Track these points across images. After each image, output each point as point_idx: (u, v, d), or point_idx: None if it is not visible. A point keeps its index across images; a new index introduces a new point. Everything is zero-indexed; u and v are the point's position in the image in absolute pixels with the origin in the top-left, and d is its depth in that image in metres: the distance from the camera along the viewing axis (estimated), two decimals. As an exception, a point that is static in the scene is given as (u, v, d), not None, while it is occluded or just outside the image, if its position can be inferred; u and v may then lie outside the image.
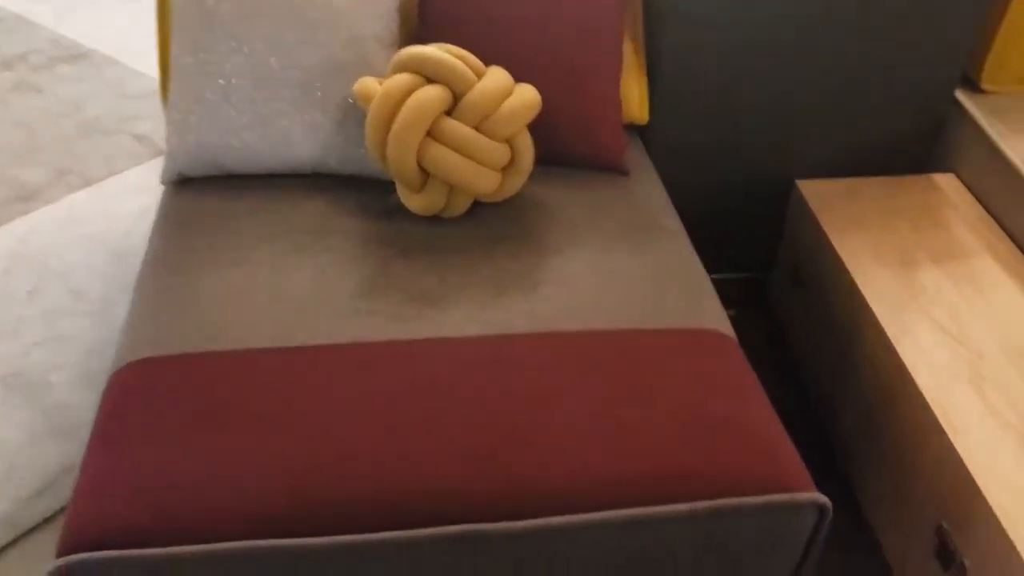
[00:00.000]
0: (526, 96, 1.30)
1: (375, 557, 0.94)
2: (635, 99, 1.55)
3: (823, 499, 0.98)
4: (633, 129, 1.60)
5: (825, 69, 1.60)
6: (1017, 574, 1.06)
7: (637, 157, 1.53)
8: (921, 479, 1.28)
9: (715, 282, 1.88)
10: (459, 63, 1.27)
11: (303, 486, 0.97)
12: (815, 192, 1.67)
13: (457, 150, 1.27)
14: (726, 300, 1.87)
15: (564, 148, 1.45)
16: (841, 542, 1.44)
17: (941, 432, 1.21)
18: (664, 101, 1.61)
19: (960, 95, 1.69)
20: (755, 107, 1.63)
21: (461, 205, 1.33)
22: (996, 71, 1.67)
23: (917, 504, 1.29)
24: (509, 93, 1.29)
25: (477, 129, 1.27)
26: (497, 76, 1.29)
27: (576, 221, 1.36)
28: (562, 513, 0.96)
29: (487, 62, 1.36)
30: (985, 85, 1.68)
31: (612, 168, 1.47)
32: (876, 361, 1.40)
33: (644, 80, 1.56)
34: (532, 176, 1.43)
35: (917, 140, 1.71)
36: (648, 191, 1.45)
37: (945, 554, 1.21)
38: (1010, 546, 1.07)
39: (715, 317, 1.21)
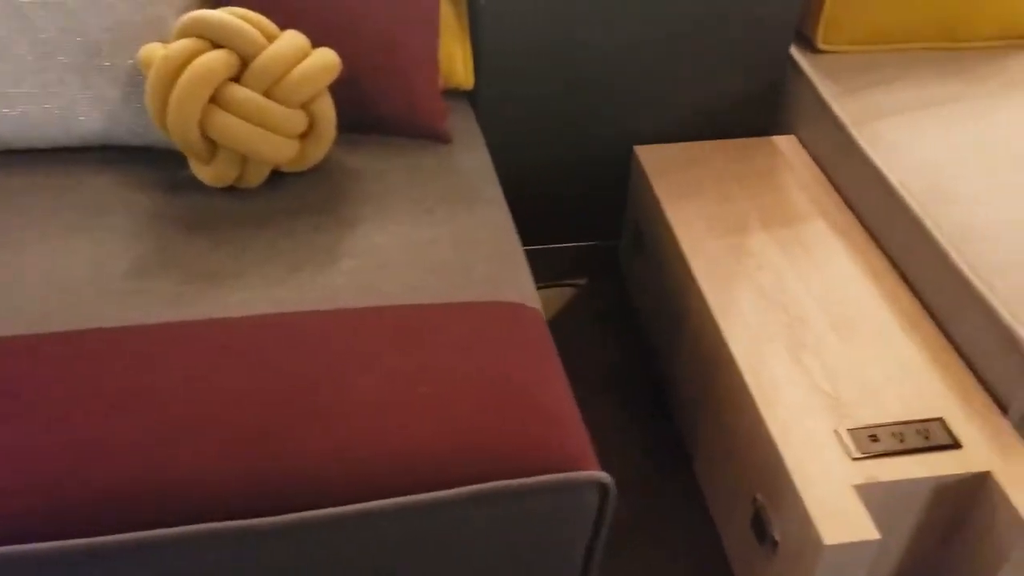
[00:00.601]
0: (321, 59, 1.22)
1: (117, 560, 0.88)
2: (458, 63, 1.48)
3: (605, 477, 0.94)
4: (463, 95, 1.54)
5: (656, 29, 1.56)
6: (815, 554, 1.05)
7: (463, 124, 1.47)
8: (739, 449, 1.26)
9: (568, 250, 1.86)
10: (246, 26, 1.18)
11: (44, 484, 0.89)
12: (653, 157, 1.63)
13: (245, 118, 1.19)
14: (579, 268, 1.84)
15: (380, 115, 1.37)
16: (676, 508, 1.43)
17: (753, 403, 1.19)
18: (491, 64, 1.54)
19: (797, 55, 1.67)
20: (587, 69, 1.58)
21: (257, 175, 1.25)
22: (831, 31, 1.65)
23: (737, 474, 1.27)
24: (303, 57, 1.21)
25: (267, 95, 1.19)
26: (289, 39, 1.21)
27: (388, 191, 1.30)
28: (332, 503, 0.91)
29: (290, 27, 1.28)
30: (821, 45, 1.66)
31: (432, 135, 1.40)
32: (701, 330, 1.38)
33: (467, 43, 1.49)
34: (347, 144, 1.36)
35: (757, 102, 1.69)
36: (470, 159, 1.39)
37: (759, 527, 1.20)
38: (809, 523, 1.06)
39: (522, 290, 1.16)
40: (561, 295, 1.80)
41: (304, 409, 0.97)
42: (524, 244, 1.79)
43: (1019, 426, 1.17)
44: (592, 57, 1.57)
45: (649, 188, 1.58)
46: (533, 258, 1.79)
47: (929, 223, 1.32)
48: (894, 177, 1.41)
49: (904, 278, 1.38)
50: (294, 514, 0.91)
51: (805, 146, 1.66)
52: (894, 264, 1.40)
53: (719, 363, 1.31)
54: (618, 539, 1.40)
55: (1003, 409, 1.18)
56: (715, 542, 1.39)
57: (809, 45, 1.68)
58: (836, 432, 1.15)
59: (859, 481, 1.09)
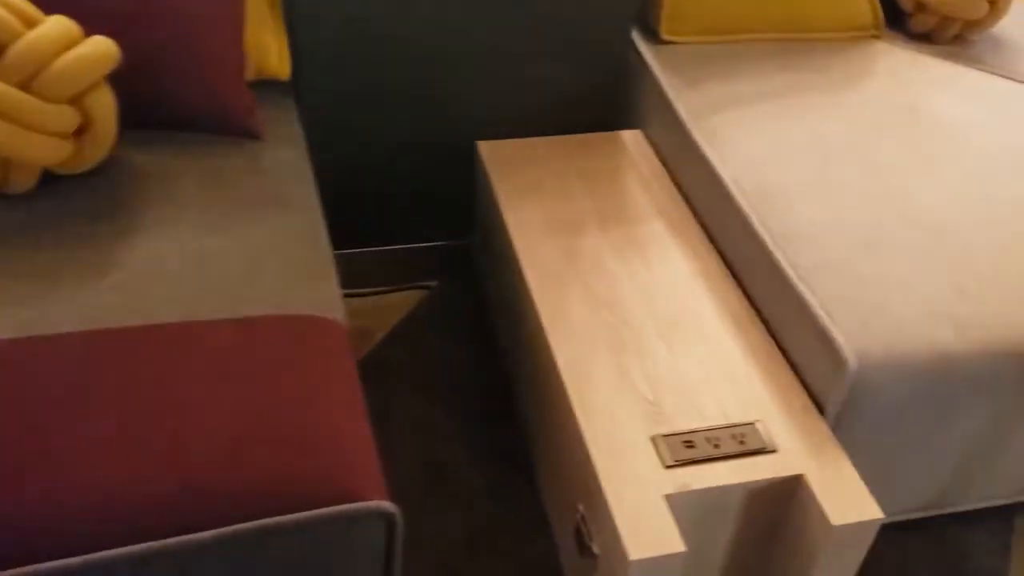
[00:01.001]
0: (92, 48, 1.13)
1: None
2: (272, 51, 1.41)
3: (388, 508, 0.90)
4: (285, 87, 1.47)
5: (494, 16, 1.52)
6: (624, 569, 1.03)
7: (280, 118, 1.41)
8: (564, 458, 1.24)
9: (419, 250, 1.82)
10: None
11: None
12: (495, 153, 1.60)
13: None
14: (432, 269, 1.80)
15: (178, 110, 1.30)
16: (519, 518, 1.40)
17: (572, 410, 1.17)
18: (311, 53, 1.48)
19: (643, 46, 1.65)
20: (422, 59, 1.53)
21: (24, 179, 1.16)
22: (674, 21, 1.63)
23: (564, 485, 1.25)
24: (69, 45, 1.12)
25: (25, 88, 1.11)
26: (53, 25, 1.11)
27: (178, 195, 1.22)
28: (51, 555, 0.84)
29: (65, 13, 1.18)
30: (665, 35, 1.64)
31: (239, 131, 1.33)
32: (532, 336, 1.35)
33: (281, 28, 1.43)
34: (141, 143, 1.28)
35: (602, 95, 1.66)
36: (282, 157, 1.33)
37: (580, 539, 1.17)
38: (617, 536, 1.04)
39: (320, 301, 1.11)
40: (409, 298, 1.75)
41: (31, 452, 0.90)
42: (368, 245, 1.74)
43: (835, 427, 1.17)
44: (427, 46, 1.52)
45: (489, 186, 1.55)
46: (380, 260, 1.74)
47: (756, 222, 1.32)
48: (727, 174, 1.40)
49: (737, 279, 1.37)
50: (22, 568, 0.84)
51: (650, 141, 1.64)
52: (728, 264, 1.40)
53: (547, 370, 1.28)
54: (462, 550, 1.37)
55: (821, 410, 1.18)
56: (555, 553, 1.37)
57: (654, 36, 1.67)
58: (652, 439, 1.13)
59: (670, 490, 1.07)
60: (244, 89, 1.33)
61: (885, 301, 1.18)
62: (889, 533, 1.40)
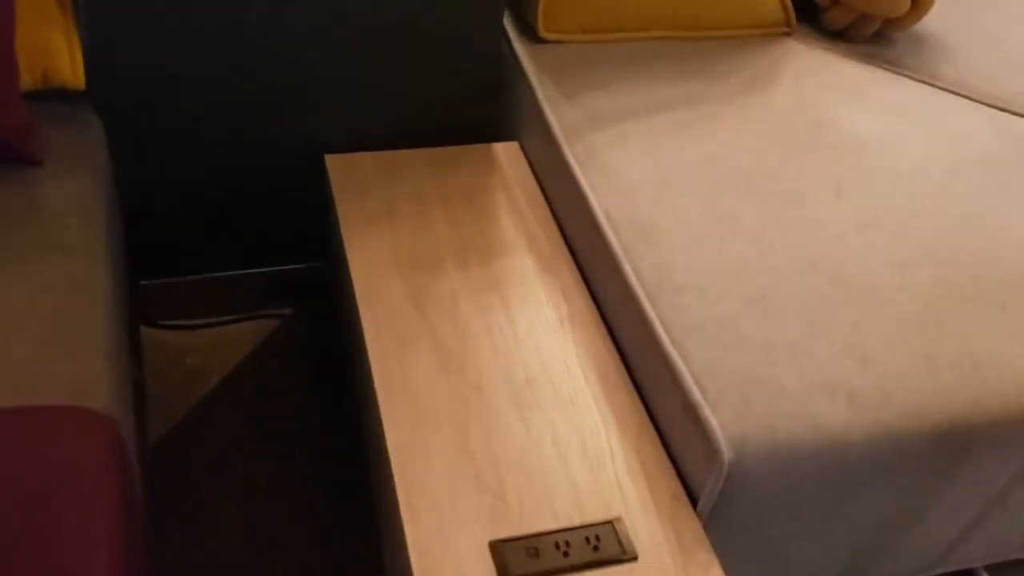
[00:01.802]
0: None
1: None
2: (63, 56, 1.18)
3: None
4: (84, 100, 1.25)
5: (340, 9, 1.31)
6: None
7: (74, 138, 1.19)
8: (392, 560, 1.06)
9: (271, 275, 1.60)
10: None
11: None
12: (345, 169, 1.39)
13: None
14: (285, 295, 1.60)
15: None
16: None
17: (399, 511, 0.99)
18: (113, 55, 1.26)
19: (519, 45, 1.46)
20: (259, 64, 1.32)
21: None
22: (553, 17, 1.44)
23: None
24: None
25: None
26: None
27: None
28: None
29: None
30: (543, 33, 1.45)
31: (10, 157, 1.11)
32: (368, 402, 1.17)
33: (72, 30, 1.20)
34: None
35: (476, 102, 1.46)
36: (66, 189, 1.11)
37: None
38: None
39: (85, 385, 0.91)
40: (256, 330, 1.55)
41: None
42: (209, 271, 1.53)
43: (709, 521, 1.01)
44: (262, 48, 1.31)
45: (333, 209, 1.35)
46: (223, 286, 1.54)
47: (627, 266, 1.14)
48: (600, 204, 1.22)
49: (610, 332, 1.20)
50: None
51: (527, 155, 1.45)
52: (600, 310, 1.22)
53: (379, 450, 1.10)
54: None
55: (694, 502, 1.02)
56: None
57: (531, 33, 1.47)
58: (491, 546, 0.96)
59: (506, 615, 0.91)
60: (16, 102, 1.11)
61: (771, 371, 1.02)
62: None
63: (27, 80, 1.17)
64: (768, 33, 1.57)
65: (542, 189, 1.39)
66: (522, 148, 1.46)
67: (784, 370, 1.02)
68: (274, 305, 1.58)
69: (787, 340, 1.05)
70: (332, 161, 1.40)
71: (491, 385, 1.10)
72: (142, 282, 1.49)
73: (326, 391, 1.48)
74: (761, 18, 1.54)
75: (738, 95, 1.42)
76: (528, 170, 1.43)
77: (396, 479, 1.01)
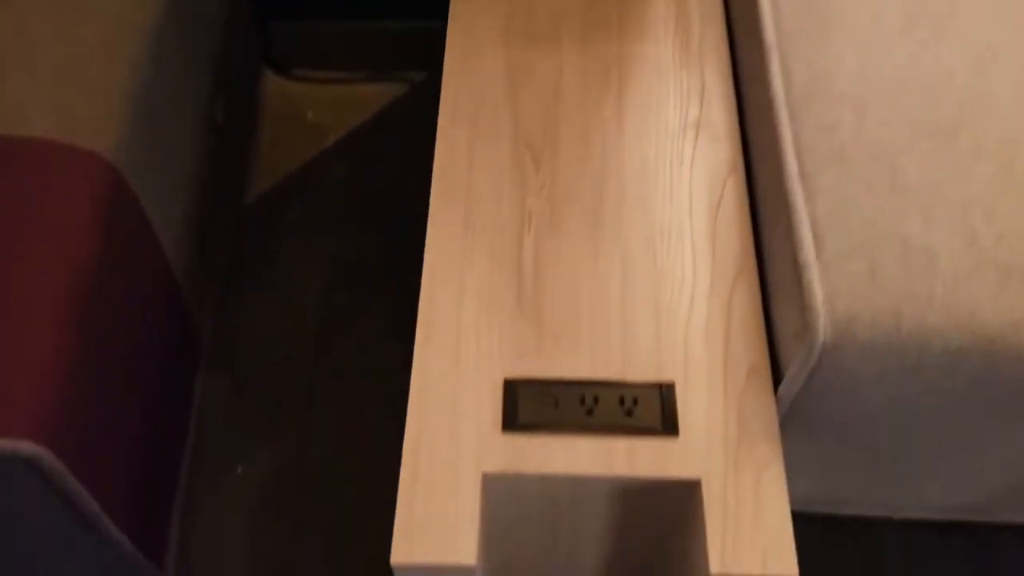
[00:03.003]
0: None
1: None
2: None
3: (29, 451, 0.67)
4: None
5: None
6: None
7: None
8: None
9: (405, 31, 1.44)
10: None
11: None
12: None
13: None
14: (419, 56, 1.44)
15: None
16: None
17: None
18: None
19: None
20: None
21: None
22: None
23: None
24: None
25: None
26: None
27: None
28: None
29: None
30: None
31: None
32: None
33: None
34: None
35: None
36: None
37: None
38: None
39: (93, 126, 0.83)
40: (387, 91, 1.42)
41: None
42: (344, 17, 1.40)
43: (787, 415, 0.80)
44: None
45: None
46: (358, 38, 1.40)
47: (776, 63, 0.87)
48: None
49: (746, 155, 0.95)
50: None
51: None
52: (742, 121, 0.97)
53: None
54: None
55: (777, 384, 0.81)
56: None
57: None
58: (504, 383, 0.81)
59: (494, 467, 0.77)
60: None
61: (924, 234, 0.75)
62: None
63: None
64: None
65: (716, -42, 1.11)
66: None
67: (944, 236, 0.75)
68: (408, 66, 1.44)
69: (964, 195, 0.77)
70: None
71: (567, 196, 0.92)
72: (270, 22, 1.39)
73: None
74: None
75: None
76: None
77: (422, 287, 0.87)
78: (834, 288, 0.74)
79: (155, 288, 0.95)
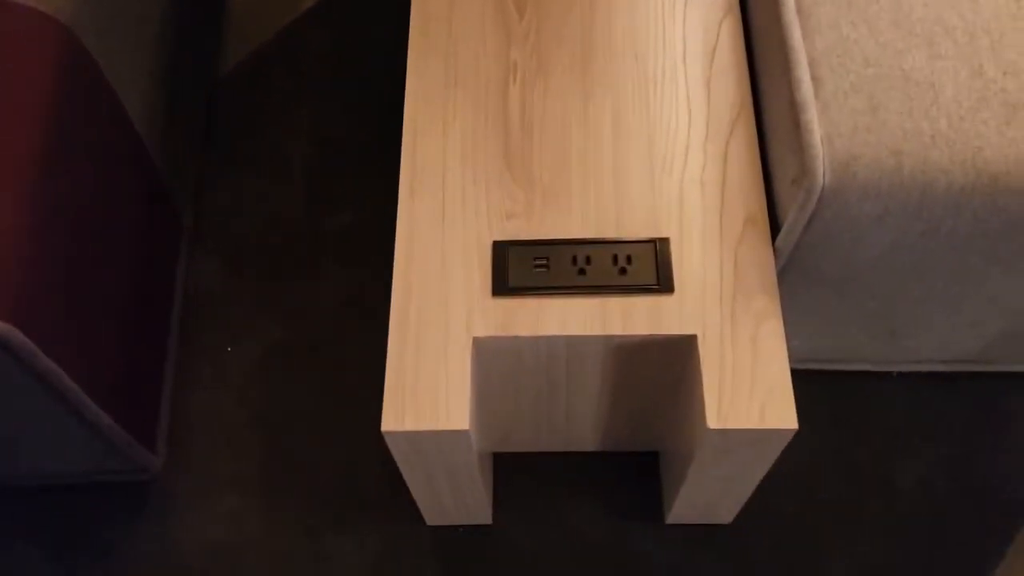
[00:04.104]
0: None
1: None
2: None
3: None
4: None
5: None
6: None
7: None
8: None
9: None
10: None
11: None
12: None
13: None
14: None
15: None
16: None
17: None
18: None
19: None
20: None
21: None
22: None
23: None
24: None
25: None
26: None
27: None
28: None
29: None
30: None
31: None
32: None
33: None
34: None
35: None
36: None
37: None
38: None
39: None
40: None
41: None
42: None
43: (785, 267, 0.79)
44: None
45: None
46: None
47: None
48: None
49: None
50: None
51: None
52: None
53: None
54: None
55: (775, 234, 0.79)
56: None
57: None
58: (494, 246, 0.80)
59: (485, 331, 0.77)
60: None
61: (927, 68, 0.72)
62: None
63: None
64: None
65: None
66: None
67: (949, 69, 0.72)
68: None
69: (969, 26, 0.74)
70: None
71: (553, 44, 0.88)
72: None
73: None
74: None
75: None
76: None
77: (403, 145, 0.85)
78: (833, 127, 0.72)
79: (125, 162, 0.93)
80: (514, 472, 1.02)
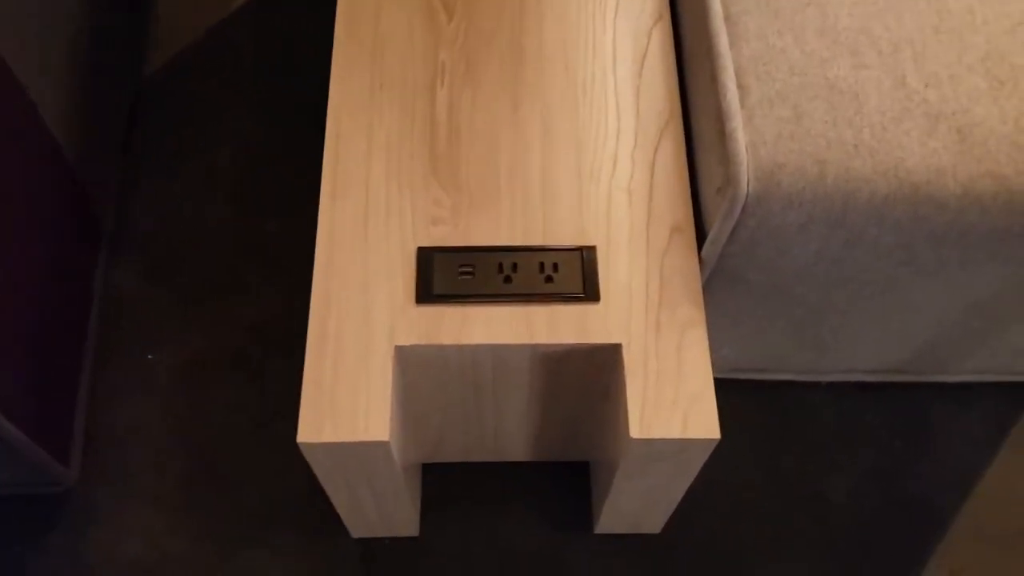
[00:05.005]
0: None
1: None
2: None
3: None
4: None
5: None
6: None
7: None
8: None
9: None
10: None
11: None
12: None
13: None
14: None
15: None
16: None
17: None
18: None
19: None
20: None
21: None
22: None
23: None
24: None
25: None
26: None
27: None
28: None
29: None
30: None
31: None
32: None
33: None
34: None
35: None
36: None
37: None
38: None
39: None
40: None
41: None
42: None
43: (712, 276, 0.79)
44: None
45: None
46: None
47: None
48: None
49: (673, 7, 0.92)
50: None
51: None
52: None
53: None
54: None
55: (701, 243, 0.79)
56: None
57: None
58: (419, 252, 0.79)
59: (408, 340, 0.76)
60: None
61: (852, 78, 0.73)
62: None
63: None
64: None
65: None
66: None
67: (873, 79, 0.73)
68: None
69: (894, 36, 0.75)
70: None
71: (483, 48, 0.88)
72: None
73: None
74: None
75: None
76: None
77: (326, 147, 0.83)
78: (758, 136, 0.72)
79: (38, 164, 0.90)
80: (443, 482, 1.01)
